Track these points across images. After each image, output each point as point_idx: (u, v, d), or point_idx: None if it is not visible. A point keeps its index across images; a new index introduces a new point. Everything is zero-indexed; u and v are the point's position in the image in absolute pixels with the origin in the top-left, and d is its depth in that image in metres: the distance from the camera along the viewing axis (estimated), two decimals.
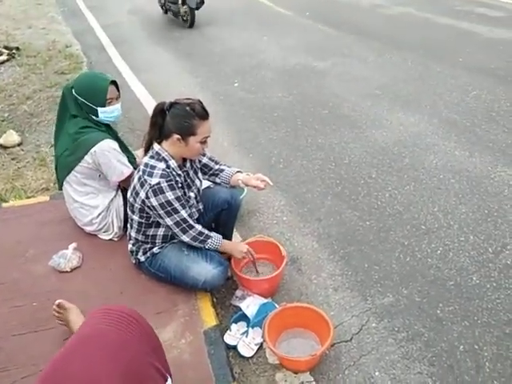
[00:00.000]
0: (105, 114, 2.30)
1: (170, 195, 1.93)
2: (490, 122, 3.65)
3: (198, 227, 2.05)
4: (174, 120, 1.93)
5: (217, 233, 2.32)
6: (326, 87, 4.57)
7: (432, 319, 2.05)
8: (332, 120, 3.91)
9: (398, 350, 1.92)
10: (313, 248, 2.54)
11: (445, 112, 3.90)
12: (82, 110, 2.29)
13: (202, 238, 2.06)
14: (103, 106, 2.28)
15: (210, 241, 2.08)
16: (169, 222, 1.98)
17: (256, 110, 4.22)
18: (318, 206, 2.87)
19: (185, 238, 2.04)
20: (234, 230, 2.47)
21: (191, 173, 2.17)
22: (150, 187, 1.92)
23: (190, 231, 2.02)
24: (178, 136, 1.93)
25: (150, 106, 4.29)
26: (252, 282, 2.19)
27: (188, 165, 2.15)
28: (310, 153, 3.45)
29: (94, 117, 2.30)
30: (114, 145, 2.31)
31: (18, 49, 6.26)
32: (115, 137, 2.44)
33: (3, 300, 2.12)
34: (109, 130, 2.39)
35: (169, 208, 1.94)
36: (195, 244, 2.08)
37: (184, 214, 1.99)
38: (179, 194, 1.97)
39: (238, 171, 2.30)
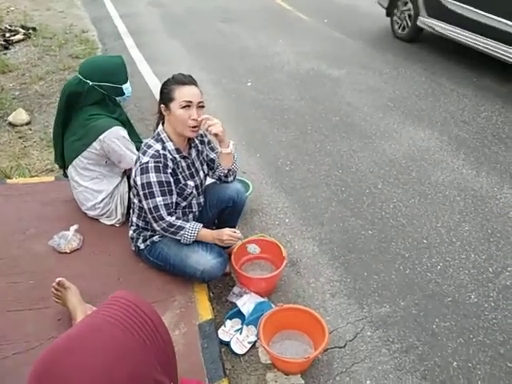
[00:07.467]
0: (128, 89, 2.37)
1: (152, 177, 1.90)
2: (499, 144, 3.65)
3: (169, 219, 1.95)
4: (161, 93, 1.98)
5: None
6: (339, 95, 4.57)
7: (427, 333, 2.04)
8: (342, 127, 3.91)
9: (391, 361, 1.91)
10: (313, 252, 2.53)
11: (455, 130, 3.89)
12: (103, 96, 2.30)
13: (172, 229, 1.97)
14: (126, 81, 2.34)
15: (182, 232, 1.98)
16: (145, 205, 1.95)
17: (267, 110, 4.21)
18: (322, 211, 2.86)
19: (156, 227, 1.98)
20: (236, 227, 2.46)
21: (197, 163, 2.15)
22: (140, 165, 1.92)
23: (160, 222, 1.95)
24: (163, 106, 1.96)
25: None
26: (250, 279, 2.18)
27: (194, 154, 2.13)
28: (317, 158, 3.45)
29: (118, 98, 2.33)
30: (124, 132, 2.31)
31: (34, 29, 6.27)
32: (127, 122, 2.45)
33: (1, 275, 2.11)
34: (120, 116, 2.39)
35: (147, 190, 1.91)
36: (167, 235, 2.01)
37: (159, 201, 1.92)
38: (164, 179, 1.92)
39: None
